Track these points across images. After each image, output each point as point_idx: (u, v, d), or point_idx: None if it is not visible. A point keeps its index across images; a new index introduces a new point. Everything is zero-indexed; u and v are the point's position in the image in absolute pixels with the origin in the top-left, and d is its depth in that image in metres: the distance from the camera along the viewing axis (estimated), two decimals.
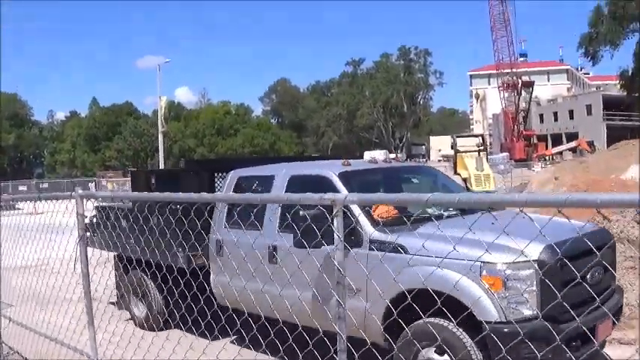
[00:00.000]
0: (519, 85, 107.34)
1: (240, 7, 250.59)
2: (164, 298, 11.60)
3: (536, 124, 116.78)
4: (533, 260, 7.08)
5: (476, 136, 47.13)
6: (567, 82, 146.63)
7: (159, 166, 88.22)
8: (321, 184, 9.21)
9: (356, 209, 8.59)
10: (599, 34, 56.14)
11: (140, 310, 12.65)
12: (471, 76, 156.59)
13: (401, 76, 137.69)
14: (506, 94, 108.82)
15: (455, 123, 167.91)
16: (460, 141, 40.62)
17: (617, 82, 68.96)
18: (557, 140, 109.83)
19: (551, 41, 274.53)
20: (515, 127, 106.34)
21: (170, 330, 11.12)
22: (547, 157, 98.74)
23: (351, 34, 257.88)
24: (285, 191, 9.82)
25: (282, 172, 10.40)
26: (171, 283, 8.60)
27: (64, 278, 8.98)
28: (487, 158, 39.24)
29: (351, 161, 10.59)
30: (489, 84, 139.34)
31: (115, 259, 13.15)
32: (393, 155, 12.62)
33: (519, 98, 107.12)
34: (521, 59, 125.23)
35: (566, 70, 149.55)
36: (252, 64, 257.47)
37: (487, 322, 7.01)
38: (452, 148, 40.56)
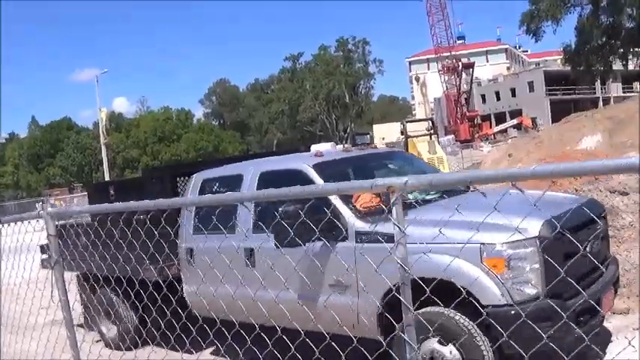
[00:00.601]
0: (459, 67, 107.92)
1: (170, 12, 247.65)
2: (137, 314, 11.03)
3: (479, 105, 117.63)
4: (534, 237, 6.73)
5: (425, 120, 46.98)
6: (507, 61, 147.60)
7: (104, 179, 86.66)
8: (295, 178, 8.55)
9: (336, 200, 8.20)
10: (541, 11, 56.26)
11: (109, 330, 12.06)
12: (409, 62, 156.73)
13: (341, 67, 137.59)
14: (446, 78, 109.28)
15: (396, 110, 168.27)
16: (410, 126, 40.32)
17: (561, 57, 69.64)
18: (501, 119, 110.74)
19: (488, 22, 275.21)
20: (458, 109, 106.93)
21: (146, 346, 10.47)
22: (489, 137, 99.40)
23: (287, 30, 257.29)
24: (257, 190, 9.17)
25: (250, 170, 9.86)
26: (145, 297, 7.92)
27: (24, 301, 8.51)
28: (438, 141, 39.12)
29: (322, 151, 10.17)
30: (429, 69, 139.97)
31: (77, 278, 12.63)
32: (340, 147, 12.16)
33: (460, 80, 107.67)
34: (460, 42, 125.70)
35: (505, 50, 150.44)
36: (189, 68, 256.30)
37: (493, 306, 6.65)
38: (402, 133, 40.21)
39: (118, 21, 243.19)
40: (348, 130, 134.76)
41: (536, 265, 6.72)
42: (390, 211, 7.76)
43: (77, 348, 6.86)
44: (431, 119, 44.28)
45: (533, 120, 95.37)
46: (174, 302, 7.68)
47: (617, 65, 64.50)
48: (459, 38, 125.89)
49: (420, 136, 37.79)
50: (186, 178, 11.43)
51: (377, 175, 10.22)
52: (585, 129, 30.01)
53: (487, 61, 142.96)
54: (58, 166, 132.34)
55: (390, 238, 6.98)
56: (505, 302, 6.67)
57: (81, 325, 12.39)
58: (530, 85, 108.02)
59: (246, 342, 6.33)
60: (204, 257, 9.03)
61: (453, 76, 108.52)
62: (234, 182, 9.89)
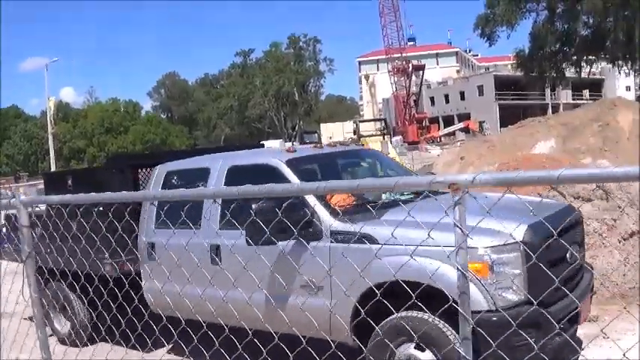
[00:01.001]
0: (410, 69, 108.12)
1: (119, 3, 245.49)
2: (89, 310, 10.48)
3: (428, 107, 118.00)
4: (518, 242, 6.56)
5: (378, 120, 47.06)
6: (456, 65, 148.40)
7: (50, 169, 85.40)
8: (267, 174, 8.46)
9: (311, 198, 7.86)
10: (496, 15, 56.49)
11: (62, 325, 11.62)
12: (359, 62, 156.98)
13: (291, 65, 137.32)
14: (396, 79, 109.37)
15: (343, 110, 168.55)
16: (362, 126, 40.35)
17: (511, 62, 70.21)
18: (449, 122, 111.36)
19: (439, 25, 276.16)
20: (407, 110, 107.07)
21: (97, 344, 10.20)
22: (435, 139, 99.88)
23: (238, 25, 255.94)
24: (225, 184, 8.96)
25: (218, 164, 9.41)
26: (98, 293, 7.67)
27: None
28: (391, 141, 39.14)
29: (294, 147, 10.10)
30: (378, 69, 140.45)
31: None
32: (289, 144, 12.01)
33: (410, 82, 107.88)
34: (410, 44, 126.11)
35: (456, 53, 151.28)
36: (138, 60, 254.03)
37: (475, 312, 6.01)
38: (354, 133, 40.24)
39: (68, 10, 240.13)
40: (297, 127, 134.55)
41: (519, 271, 6.55)
42: (365, 211, 7.53)
43: (49, 351, 6.43)
44: (384, 119, 44.36)
45: (480, 124, 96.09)
46: (135, 299, 7.15)
47: (569, 73, 65.12)
48: (409, 40, 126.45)
49: (373, 136, 37.77)
50: (149, 169, 11.02)
51: (350, 172, 10.26)
52: (539, 134, 30.02)
53: (437, 64, 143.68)
54: (4, 154, 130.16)
55: (369, 239, 7.08)
56: (488, 308, 6.47)
57: (30, 319, 12.10)
58: (480, 89, 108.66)
59: (212, 344, 6.02)
60: (167, 253, 8.40)
61: (402, 78, 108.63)
62: (200, 176, 9.48)
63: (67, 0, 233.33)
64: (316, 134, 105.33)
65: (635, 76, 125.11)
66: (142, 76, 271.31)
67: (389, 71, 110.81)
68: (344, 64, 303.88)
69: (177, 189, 9.16)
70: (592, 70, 67.05)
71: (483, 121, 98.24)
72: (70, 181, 12.36)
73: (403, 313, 6.53)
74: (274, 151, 10.33)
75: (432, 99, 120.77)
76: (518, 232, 6.59)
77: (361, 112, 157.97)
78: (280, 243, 7.35)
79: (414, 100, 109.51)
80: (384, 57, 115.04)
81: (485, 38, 59.26)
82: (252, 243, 7.33)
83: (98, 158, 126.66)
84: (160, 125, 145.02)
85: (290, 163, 8.68)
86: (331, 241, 7.54)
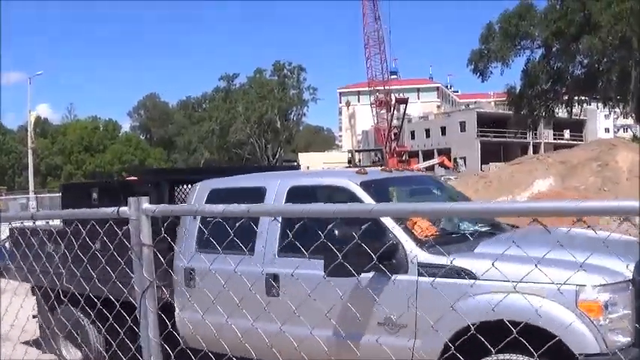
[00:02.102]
0: (392, 102, 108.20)
1: (100, 23, 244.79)
2: (105, 338, 9.36)
3: (408, 141, 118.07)
4: (628, 280, 6.23)
5: (374, 150, 47.12)
6: (437, 100, 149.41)
7: (27, 184, 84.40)
8: (337, 197, 8.04)
9: (393, 226, 7.27)
10: (490, 51, 56.70)
11: (72, 354, 10.86)
12: (340, 93, 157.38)
13: (275, 92, 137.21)
14: (378, 111, 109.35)
15: (320, 140, 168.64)
16: (341, 156, 40.27)
17: (495, 99, 70.60)
18: (429, 156, 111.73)
19: (420, 60, 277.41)
20: (388, 143, 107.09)
21: None
22: None
23: (222, 50, 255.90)
24: None
25: (275, 183, 8.69)
26: (117, 321, 6.54)
27: None
28: None
29: (366, 169, 9.12)
30: (359, 101, 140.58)
31: (35, 291, 11.34)
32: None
33: (392, 115, 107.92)
34: (393, 77, 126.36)
35: (437, 88, 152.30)
36: (118, 80, 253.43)
37: (586, 355, 5.99)
38: (349, 162, 40.11)
39: (46, 26, 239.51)
40: (277, 155, 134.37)
41: (629, 311, 6.17)
42: (451, 242, 7.14)
43: None
44: (380, 150, 44.29)
45: (455, 160, 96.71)
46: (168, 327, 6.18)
47: (558, 112, 65.57)
48: (392, 73, 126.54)
49: (369, 166, 37.64)
50: (186, 186, 10.50)
51: (420, 197, 9.61)
52: (537, 172, 30.06)
53: (418, 98, 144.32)
54: None
55: (466, 273, 6.59)
56: (599, 351, 6.03)
57: (28, 343, 11.49)
58: (462, 125, 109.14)
59: None
60: (211, 280, 7.42)
61: (384, 110, 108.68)
62: (252, 196, 8.50)
63: (47, 11, 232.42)
64: (296, 163, 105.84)
65: (614, 118, 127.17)
66: (122, 95, 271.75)
67: (371, 103, 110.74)
68: (323, 94, 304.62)
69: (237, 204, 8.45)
70: (576, 110, 67.53)
71: (456, 158, 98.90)
72: (95, 194, 11.54)
73: (501, 356, 6.04)
74: (342, 172, 10.14)
75: (412, 133, 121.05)
76: (625, 269, 6.26)
77: (339, 143, 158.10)
78: (361, 275, 6.66)
79: (394, 134, 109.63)
80: (365, 89, 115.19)
81: (478, 74, 59.49)
82: (330, 274, 6.50)
83: (75, 176, 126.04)
84: (139, 146, 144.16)
85: (365, 186, 8.07)
86: (419, 275, 6.90)
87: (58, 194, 62.79)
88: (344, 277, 6.45)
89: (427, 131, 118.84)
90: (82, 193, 12.74)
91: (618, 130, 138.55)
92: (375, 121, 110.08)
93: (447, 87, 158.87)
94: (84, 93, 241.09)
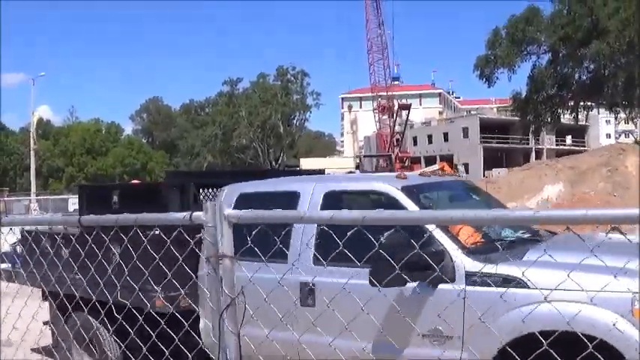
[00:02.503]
0: (395, 107, 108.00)
1: (103, 24, 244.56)
2: (122, 349, 8.96)
3: (410, 147, 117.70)
4: None
5: (383, 156, 47.04)
6: (439, 106, 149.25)
7: (30, 186, 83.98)
8: (377, 202, 7.87)
9: (438, 233, 6.92)
10: (497, 56, 56.53)
11: None
12: (342, 98, 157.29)
13: (278, 97, 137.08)
14: (381, 117, 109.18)
15: (321, 146, 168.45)
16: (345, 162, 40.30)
17: (498, 105, 70.33)
18: (431, 162, 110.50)
19: (422, 65, 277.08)
20: (391, 149, 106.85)
21: None
22: None
23: (226, 54, 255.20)
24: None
25: (310, 187, 8.31)
26: (137, 330, 6.25)
27: None
28: None
29: (405, 174, 9.06)
30: (361, 107, 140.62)
31: (49, 298, 10.64)
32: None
33: (395, 120, 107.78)
34: (395, 82, 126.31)
35: (439, 94, 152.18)
36: (121, 82, 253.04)
37: None
38: (357, 168, 40.19)
39: (49, 25, 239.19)
40: (280, 160, 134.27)
41: None
42: (496, 250, 6.93)
43: None
44: (389, 155, 44.27)
45: (455, 166, 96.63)
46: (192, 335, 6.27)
47: (564, 117, 65.38)
48: (394, 79, 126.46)
49: (379, 172, 37.67)
50: (212, 189, 10.31)
51: (460, 203, 9.24)
52: (547, 177, 30.17)
53: (420, 104, 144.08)
54: None
55: (511, 282, 6.33)
56: None
57: (36, 350, 11.15)
58: (465, 131, 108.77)
59: None
60: (249, 290, 7.11)
61: (387, 116, 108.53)
62: (285, 201, 8.22)
63: (49, 13, 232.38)
64: (298, 168, 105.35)
65: (615, 124, 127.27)
66: (125, 98, 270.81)
67: (374, 109, 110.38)
68: (325, 99, 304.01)
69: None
70: (581, 116, 67.37)
71: (456, 164, 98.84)
72: (115, 198, 11.18)
73: None
74: (380, 177, 9.54)
75: (414, 139, 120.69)
76: None
77: (341, 149, 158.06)
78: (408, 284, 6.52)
79: (397, 139, 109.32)
80: (367, 95, 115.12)
81: (485, 79, 59.17)
82: (376, 283, 6.27)
83: (77, 178, 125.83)
84: (142, 149, 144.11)
85: (407, 191, 7.72)
86: (467, 284, 6.61)
87: (60, 196, 62.79)
88: (388, 287, 6.31)
89: (429, 137, 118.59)
90: (101, 196, 12.49)
91: (620, 135, 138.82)
92: (378, 127, 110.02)
93: (448, 93, 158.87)
94: (85, 95, 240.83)
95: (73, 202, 47.59)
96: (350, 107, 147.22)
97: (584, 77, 56.02)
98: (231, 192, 8.96)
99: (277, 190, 9.07)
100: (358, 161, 35.98)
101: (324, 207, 7.80)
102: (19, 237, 10.19)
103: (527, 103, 59.08)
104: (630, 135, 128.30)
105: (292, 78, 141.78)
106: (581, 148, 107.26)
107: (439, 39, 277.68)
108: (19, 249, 10.66)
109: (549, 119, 61.67)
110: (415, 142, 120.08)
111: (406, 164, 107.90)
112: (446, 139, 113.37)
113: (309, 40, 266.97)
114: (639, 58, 48.92)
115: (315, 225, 7.51)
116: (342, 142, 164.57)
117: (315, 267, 7.56)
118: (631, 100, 54.12)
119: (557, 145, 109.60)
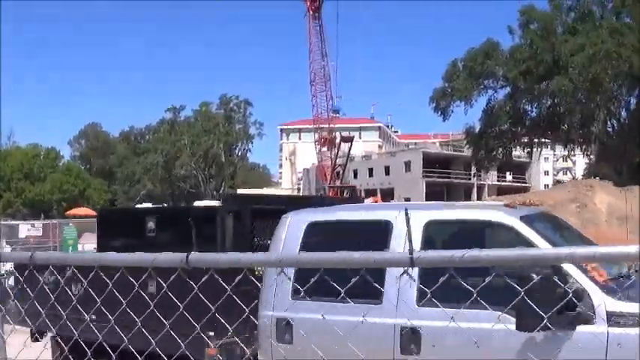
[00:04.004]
0: (337, 140, 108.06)
1: (40, 47, 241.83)
2: None
3: (351, 180, 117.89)
4: None
5: (347, 187, 46.84)
6: (379, 140, 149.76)
7: None
8: (493, 234, 7.12)
9: (572, 269, 6.22)
10: (454, 89, 56.75)
11: None
12: (281, 130, 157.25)
13: (220, 126, 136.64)
14: (323, 149, 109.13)
15: (256, 177, 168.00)
16: None
17: (436, 140, 70.63)
18: (371, 195, 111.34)
19: (361, 98, 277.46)
20: (332, 181, 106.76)
21: None
22: None
23: (166, 82, 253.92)
24: (422, 244, 6.63)
25: (403, 216, 6.89)
26: None
27: None
28: None
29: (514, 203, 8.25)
30: (300, 139, 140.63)
31: (51, 341, 9.51)
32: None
33: (338, 153, 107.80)
34: (335, 115, 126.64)
35: (379, 128, 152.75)
36: (58, 107, 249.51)
37: None
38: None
39: None
40: (221, 190, 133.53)
41: None
42: (631, 287, 6.29)
43: None
44: (353, 187, 44.13)
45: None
46: None
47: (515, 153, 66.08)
48: (334, 111, 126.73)
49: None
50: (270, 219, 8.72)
51: (567, 236, 8.16)
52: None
53: (360, 137, 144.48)
54: None
55: None
56: None
57: None
58: (408, 164, 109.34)
59: None
60: (320, 334, 6.34)
61: (327, 148, 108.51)
62: (371, 232, 7.45)
63: None
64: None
65: (553, 161, 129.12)
66: (62, 123, 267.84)
67: (315, 141, 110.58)
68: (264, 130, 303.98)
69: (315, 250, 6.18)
70: (515, 153, 68.16)
71: (406, 198, 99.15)
72: (151, 224, 9.65)
73: None
74: (489, 205, 8.74)
75: (355, 172, 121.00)
76: None
77: (277, 181, 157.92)
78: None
79: (337, 172, 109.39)
80: (306, 126, 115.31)
81: (440, 112, 59.45)
82: (524, 329, 5.72)
83: (14, 204, 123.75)
84: (80, 175, 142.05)
85: (527, 221, 6.94)
86: (609, 325, 5.98)
87: (8, 222, 61.10)
88: (527, 332, 5.78)
89: (370, 170, 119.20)
90: (130, 222, 10.66)
91: (558, 172, 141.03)
92: (319, 159, 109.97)
93: (387, 126, 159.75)
94: (22, 119, 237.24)
95: (27, 229, 46.14)
96: (288, 133, 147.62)
97: (542, 112, 56.49)
98: (297, 221, 7.84)
99: (361, 219, 8.01)
100: (322, 193, 35.19)
101: (425, 238, 6.87)
102: (11, 267, 9.11)
103: (481, 137, 59.40)
104: (568, 172, 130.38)
105: (235, 107, 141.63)
106: (523, 185, 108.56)
107: (377, 73, 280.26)
108: (11, 281, 9.48)
109: (501, 155, 62.18)
110: (355, 175, 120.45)
111: (346, 195, 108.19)
112: (387, 172, 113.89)
113: (248, 70, 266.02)
114: (602, 95, 49.58)
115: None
116: (280, 173, 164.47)
117: (420, 309, 6.59)
118: (587, 136, 54.74)
119: (498, 181, 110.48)
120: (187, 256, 3.56)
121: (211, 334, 6.70)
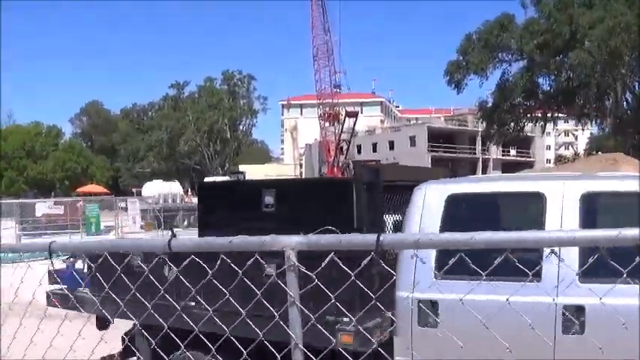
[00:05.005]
0: (342, 115, 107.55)
1: (41, 24, 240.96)
2: None
3: (355, 155, 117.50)
4: None
5: (372, 161, 46.25)
6: (381, 115, 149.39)
7: None
8: None
9: None
10: (469, 62, 56.38)
11: None
12: (282, 105, 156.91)
13: (225, 101, 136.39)
14: (327, 124, 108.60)
15: (256, 152, 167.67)
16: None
17: (440, 115, 69.98)
18: None
19: (362, 73, 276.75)
20: (337, 157, 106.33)
21: None
22: None
23: (169, 59, 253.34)
24: (581, 218, 6.29)
25: (558, 188, 6.59)
26: None
27: None
28: None
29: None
30: (302, 114, 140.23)
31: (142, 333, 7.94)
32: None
33: (342, 128, 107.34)
34: (335, 90, 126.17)
35: (380, 103, 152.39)
36: (60, 84, 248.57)
37: None
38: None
39: None
40: (226, 166, 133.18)
41: None
42: None
43: None
44: (377, 160, 43.64)
45: None
46: None
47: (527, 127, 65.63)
48: (335, 87, 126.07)
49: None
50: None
51: None
52: None
53: (362, 113, 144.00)
54: None
55: None
56: None
57: None
58: (413, 139, 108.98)
59: None
60: (466, 316, 5.48)
61: (331, 124, 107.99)
62: (521, 205, 7.16)
63: None
64: (243, 175, 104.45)
65: (555, 136, 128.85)
66: (64, 101, 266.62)
67: (319, 116, 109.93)
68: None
69: (460, 225, 6.42)
70: (527, 127, 67.70)
71: None
72: (270, 199, 8.59)
73: None
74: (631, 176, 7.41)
75: (358, 147, 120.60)
76: None
77: (276, 156, 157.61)
78: None
79: (341, 148, 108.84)
80: (308, 102, 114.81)
81: (454, 85, 58.87)
82: None
83: (16, 182, 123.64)
84: (82, 153, 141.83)
85: None
86: None
87: (22, 200, 60.48)
88: None
89: (374, 145, 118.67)
90: (241, 196, 9.47)
91: (560, 147, 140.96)
92: (323, 135, 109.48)
93: (389, 102, 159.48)
94: (23, 98, 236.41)
95: (48, 206, 45.62)
96: (289, 105, 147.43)
97: (558, 86, 55.89)
98: (435, 193, 7.12)
99: (508, 191, 7.20)
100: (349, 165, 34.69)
101: (582, 211, 6.36)
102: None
103: (494, 111, 58.99)
104: (570, 147, 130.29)
105: (239, 82, 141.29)
106: (527, 159, 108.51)
107: (379, 47, 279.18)
108: (80, 264, 8.83)
109: (513, 129, 61.77)
110: (359, 150, 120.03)
111: (349, 171, 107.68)
112: (391, 147, 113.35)
113: (250, 44, 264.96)
114: (621, 67, 49.20)
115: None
116: (282, 149, 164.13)
117: (583, 285, 5.95)
118: (602, 110, 54.46)
119: (502, 155, 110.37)
120: (378, 238, 3.29)
121: (345, 319, 6.11)
